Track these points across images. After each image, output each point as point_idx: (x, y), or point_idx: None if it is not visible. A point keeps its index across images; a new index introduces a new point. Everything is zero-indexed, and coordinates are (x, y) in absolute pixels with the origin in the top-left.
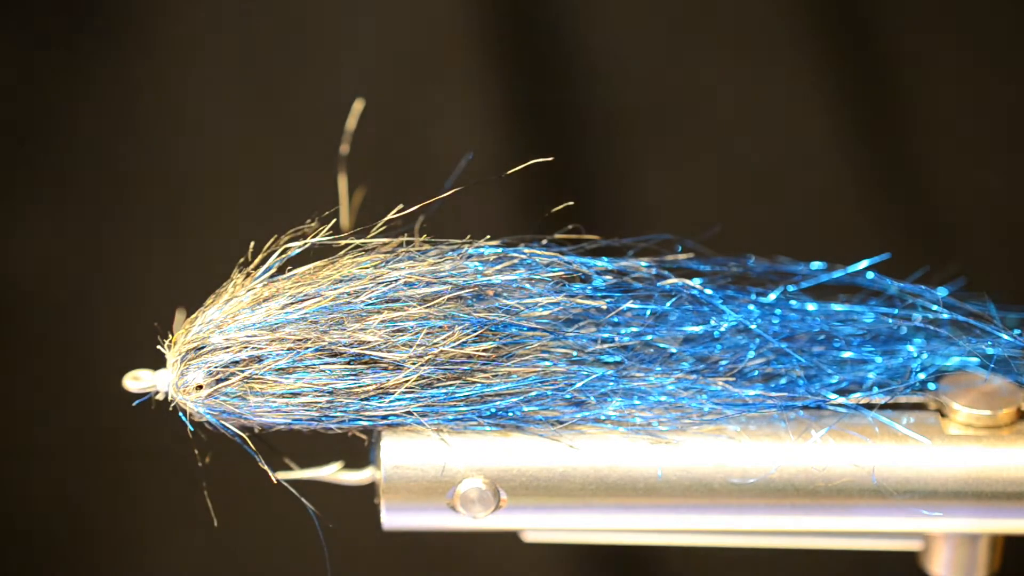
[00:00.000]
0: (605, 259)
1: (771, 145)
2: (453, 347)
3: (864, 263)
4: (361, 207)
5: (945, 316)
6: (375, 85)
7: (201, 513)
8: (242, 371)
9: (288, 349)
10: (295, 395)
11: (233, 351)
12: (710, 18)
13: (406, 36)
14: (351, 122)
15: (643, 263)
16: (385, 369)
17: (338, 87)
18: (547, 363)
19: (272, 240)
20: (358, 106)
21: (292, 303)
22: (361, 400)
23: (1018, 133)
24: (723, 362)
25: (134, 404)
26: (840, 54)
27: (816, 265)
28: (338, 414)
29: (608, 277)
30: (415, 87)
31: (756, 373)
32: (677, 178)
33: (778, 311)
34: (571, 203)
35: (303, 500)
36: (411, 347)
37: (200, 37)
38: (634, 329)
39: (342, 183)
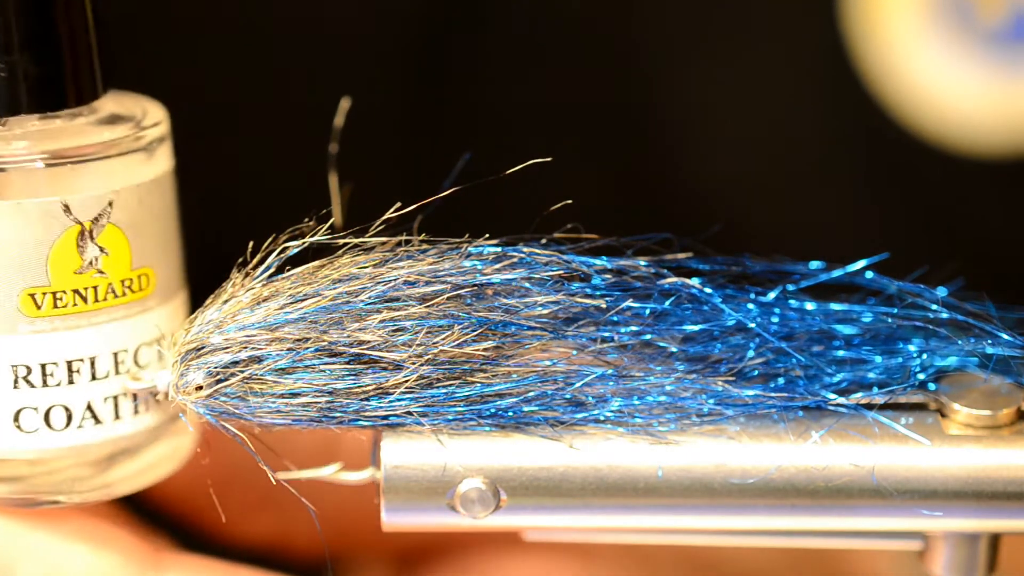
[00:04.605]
0: (604, 258)
1: (771, 146)
2: (453, 347)
3: (864, 263)
4: (361, 207)
5: (945, 316)
6: (374, 85)
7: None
8: (242, 371)
9: (288, 349)
10: (295, 395)
11: (233, 351)
12: (710, 23)
13: (402, 35)
14: (339, 119)
15: (642, 262)
16: (385, 369)
17: (334, 86)
18: (547, 363)
19: (271, 240)
20: (345, 104)
21: (291, 303)
22: (361, 400)
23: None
24: (723, 362)
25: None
26: (840, 58)
27: (816, 265)
28: (338, 414)
29: (607, 276)
30: (413, 87)
31: (756, 373)
32: (677, 177)
33: (777, 310)
34: (570, 201)
35: (303, 500)
36: (411, 347)
37: (196, 36)
38: (634, 329)
39: (333, 182)
